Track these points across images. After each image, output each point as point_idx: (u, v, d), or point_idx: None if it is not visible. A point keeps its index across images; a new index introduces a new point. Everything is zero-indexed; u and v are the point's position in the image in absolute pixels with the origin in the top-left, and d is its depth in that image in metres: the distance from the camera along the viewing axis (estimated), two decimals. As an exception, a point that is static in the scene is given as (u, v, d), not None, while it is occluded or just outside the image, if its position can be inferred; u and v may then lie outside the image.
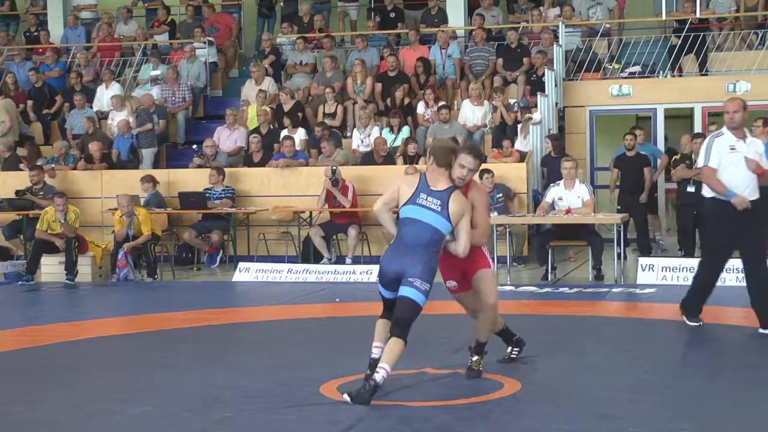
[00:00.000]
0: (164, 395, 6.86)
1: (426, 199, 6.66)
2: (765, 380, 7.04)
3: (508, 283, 12.45)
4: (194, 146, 16.94)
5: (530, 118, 15.34)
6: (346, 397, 6.36)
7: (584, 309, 10.57)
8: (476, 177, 7.38)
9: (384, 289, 6.78)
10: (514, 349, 7.65)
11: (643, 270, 12.41)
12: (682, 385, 6.91)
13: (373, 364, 6.66)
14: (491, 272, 7.27)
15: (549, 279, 12.71)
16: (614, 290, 11.78)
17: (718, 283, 11.97)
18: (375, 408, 6.38)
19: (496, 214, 13.33)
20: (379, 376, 6.37)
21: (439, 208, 6.62)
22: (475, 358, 7.24)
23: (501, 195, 13.93)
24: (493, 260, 12.63)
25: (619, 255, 12.50)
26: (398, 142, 15.64)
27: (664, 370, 7.44)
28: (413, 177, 6.92)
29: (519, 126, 15.58)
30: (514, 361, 7.56)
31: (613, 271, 12.51)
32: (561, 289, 11.92)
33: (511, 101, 16.19)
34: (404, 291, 6.55)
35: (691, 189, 13.49)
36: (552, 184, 13.20)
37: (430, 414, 6.23)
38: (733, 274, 12.00)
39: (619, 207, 14.48)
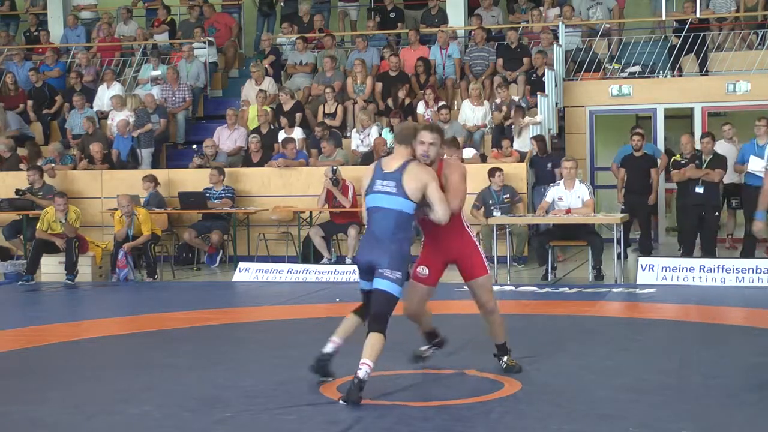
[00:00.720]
0: (164, 395, 6.86)
1: (381, 184, 6.65)
2: (765, 380, 7.04)
3: (508, 283, 12.46)
4: (194, 146, 16.95)
5: (522, 120, 15.33)
6: (342, 402, 6.35)
7: (584, 309, 10.57)
8: (457, 159, 7.40)
9: (363, 282, 6.79)
10: (431, 347, 7.54)
11: (643, 270, 12.41)
12: (682, 385, 6.91)
13: (321, 358, 6.80)
14: (489, 278, 7.26)
15: (549, 279, 12.72)
16: (614, 290, 11.79)
17: (718, 284, 12.05)
18: (374, 408, 6.38)
19: (499, 213, 13.34)
20: (362, 372, 6.33)
21: (395, 189, 6.58)
22: (506, 357, 7.30)
23: (507, 196, 13.92)
24: (493, 260, 12.78)
25: (619, 255, 12.50)
26: (398, 142, 15.60)
27: (664, 370, 7.44)
28: (371, 167, 6.94)
29: (513, 127, 15.57)
30: (425, 360, 7.49)
31: (613, 271, 12.51)
32: (561, 289, 11.93)
33: (515, 98, 16.20)
34: (377, 283, 6.58)
35: (699, 190, 13.50)
36: (552, 184, 13.21)
37: (430, 414, 6.23)
38: (732, 274, 12.03)
39: (623, 207, 14.48)
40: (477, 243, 7.24)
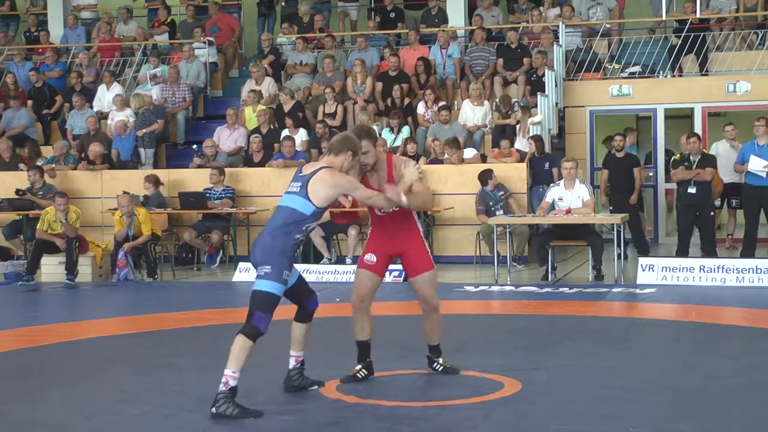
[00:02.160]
0: (164, 395, 6.87)
1: (291, 185, 6.56)
2: (765, 380, 7.04)
3: (509, 282, 12.46)
4: (194, 146, 16.96)
5: (530, 119, 15.34)
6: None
7: (584, 309, 10.58)
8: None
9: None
10: (363, 369, 7.07)
11: (643, 270, 12.42)
12: (682, 386, 6.91)
13: (289, 376, 6.81)
14: (433, 274, 7.06)
15: (549, 279, 12.72)
16: (614, 290, 11.78)
17: (718, 284, 12.04)
18: (375, 407, 6.38)
19: (501, 213, 13.33)
20: (222, 384, 6.22)
21: (298, 189, 6.46)
22: (440, 359, 7.23)
23: (502, 193, 13.93)
24: (494, 260, 12.79)
25: (619, 255, 12.51)
26: (398, 143, 15.65)
27: (664, 370, 7.45)
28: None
29: (517, 126, 15.59)
30: (357, 381, 7.02)
31: (613, 271, 12.51)
32: (561, 289, 11.92)
33: (512, 100, 16.21)
34: (254, 285, 6.48)
35: (692, 190, 13.51)
36: (552, 184, 13.22)
37: (430, 414, 6.23)
38: (732, 275, 12.02)
39: (611, 207, 14.52)
40: (424, 239, 7.12)
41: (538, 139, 15.00)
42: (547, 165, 14.68)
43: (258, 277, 6.41)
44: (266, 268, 6.37)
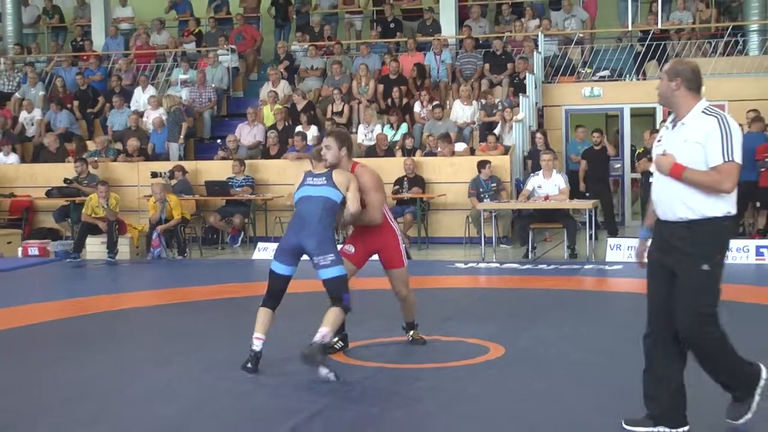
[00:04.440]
0: (194, 359, 6.87)
1: (312, 180, 6.51)
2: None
3: (494, 260, 12.46)
4: (219, 141, 16.93)
5: (515, 117, 15.31)
6: (323, 371, 6.08)
7: (560, 283, 10.58)
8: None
9: (280, 264, 6.46)
10: (339, 341, 6.97)
11: (611, 249, 12.41)
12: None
13: (255, 357, 6.30)
14: (404, 271, 6.98)
15: (529, 257, 12.72)
16: (586, 267, 11.79)
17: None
18: (377, 370, 6.39)
19: (488, 200, 13.31)
20: (318, 336, 6.12)
21: (325, 181, 6.45)
22: (412, 332, 7.18)
23: (495, 185, 13.87)
24: (481, 240, 12.78)
25: (590, 236, 12.50)
26: (397, 137, 15.63)
27: (629, 336, 7.41)
28: (300, 175, 6.72)
29: (499, 124, 15.53)
30: (334, 351, 6.80)
31: (586, 250, 12.51)
32: (540, 266, 11.92)
33: (496, 101, 16.16)
34: (322, 274, 6.32)
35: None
36: (532, 174, 13.21)
37: (424, 375, 6.24)
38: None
39: (587, 193, 14.50)
40: (399, 237, 7.03)
41: (543, 134, 14.99)
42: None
43: (325, 266, 6.29)
44: (330, 256, 6.29)
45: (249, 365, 6.28)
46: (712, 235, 4.60)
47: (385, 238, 6.92)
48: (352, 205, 6.53)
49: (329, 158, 6.58)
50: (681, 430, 4.78)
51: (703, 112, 4.63)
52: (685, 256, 4.61)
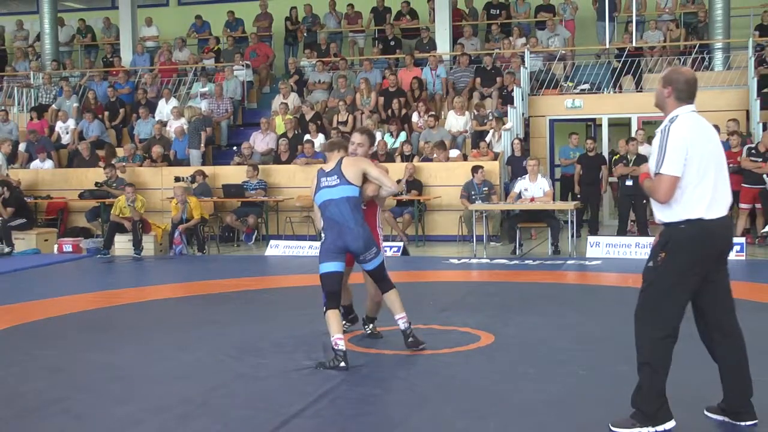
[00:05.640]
0: (212, 345, 6.88)
1: (326, 180, 6.36)
2: (686, 332, 7.03)
3: (485, 256, 12.46)
4: (234, 148, 16.94)
5: (502, 127, 15.30)
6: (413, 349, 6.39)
7: (545, 277, 10.58)
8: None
9: (331, 263, 6.17)
10: (347, 323, 7.04)
11: (591, 246, 12.42)
12: (621, 337, 6.88)
13: (344, 355, 5.93)
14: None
15: (517, 253, 12.72)
16: (569, 262, 11.79)
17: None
18: (377, 356, 6.40)
19: (479, 202, 13.33)
20: (403, 323, 6.42)
21: (338, 180, 6.30)
22: (371, 325, 7.03)
23: (486, 188, 13.86)
24: (473, 238, 12.78)
25: (573, 234, 12.50)
26: (397, 145, 15.64)
27: (607, 325, 7.45)
28: (315, 175, 6.54)
29: (493, 132, 15.53)
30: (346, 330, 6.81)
31: (568, 247, 12.51)
32: (526, 262, 11.92)
33: (487, 111, 16.16)
34: (368, 266, 6.37)
35: (629, 183, 13.49)
36: (519, 178, 13.20)
37: (421, 361, 6.24)
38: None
39: (579, 195, 14.46)
40: (380, 239, 6.79)
41: (520, 140, 14.98)
42: (524, 162, 14.60)
43: (371, 259, 6.32)
44: (374, 250, 6.34)
45: (342, 364, 5.89)
46: (663, 237, 4.44)
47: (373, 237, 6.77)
48: (387, 184, 6.47)
49: (360, 153, 6.60)
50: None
51: (663, 127, 4.39)
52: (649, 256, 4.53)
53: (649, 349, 4.46)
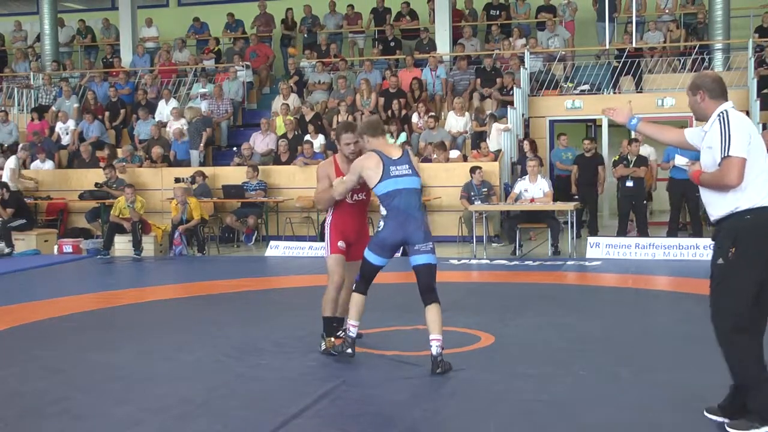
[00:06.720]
0: (212, 345, 6.88)
1: (398, 169, 6.01)
2: (685, 332, 7.05)
3: (485, 257, 12.47)
4: (234, 148, 16.94)
5: (499, 126, 15.29)
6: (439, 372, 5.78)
7: (545, 278, 10.58)
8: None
9: (379, 257, 6.01)
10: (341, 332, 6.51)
11: (591, 247, 12.42)
12: (620, 337, 6.92)
13: (353, 342, 6.02)
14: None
15: (517, 254, 12.72)
16: (568, 263, 11.79)
17: (650, 257, 11.99)
18: (378, 357, 6.39)
19: (479, 202, 13.32)
20: (436, 348, 5.82)
21: (411, 170, 6.05)
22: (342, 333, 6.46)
23: (485, 189, 13.85)
24: (473, 239, 12.79)
25: (573, 235, 12.49)
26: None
27: (607, 325, 7.46)
28: (370, 159, 6.08)
29: (488, 132, 15.54)
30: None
31: (568, 247, 12.51)
32: (526, 262, 11.93)
33: (486, 112, 16.16)
34: (423, 258, 5.94)
35: (629, 184, 13.50)
36: (519, 179, 13.20)
37: (421, 361, 6.23)
38: (661, 250, 11.99)
39: (577, 196, 14.48)
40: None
41: (531, 141, 14.97)
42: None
43: (426, 252, 5.94)
44: (431, 244, 5.99)
45: (349, 350, 5.96)
46: (728, 231, 4.40)
47: (366, 232, 6.75)
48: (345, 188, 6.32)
49: (356, 150, 6.34)
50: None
51: (717, 116, 4.43)
52: (714, 252, 4.50)
53: (746, 365, 4.36)
